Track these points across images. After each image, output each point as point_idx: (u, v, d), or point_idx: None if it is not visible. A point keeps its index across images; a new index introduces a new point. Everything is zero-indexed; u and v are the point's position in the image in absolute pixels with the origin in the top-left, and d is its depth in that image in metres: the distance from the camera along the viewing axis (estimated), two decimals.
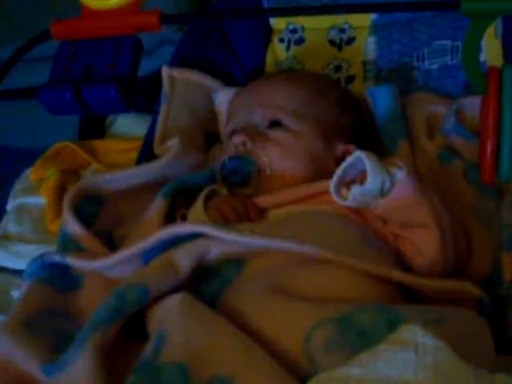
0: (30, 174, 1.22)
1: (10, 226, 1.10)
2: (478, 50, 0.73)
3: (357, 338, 0.58)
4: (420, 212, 0.75)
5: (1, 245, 1.06)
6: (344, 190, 0.76)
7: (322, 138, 0.88)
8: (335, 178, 0.75)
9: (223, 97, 1.01)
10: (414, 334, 0.54)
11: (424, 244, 0.76)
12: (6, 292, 0.98)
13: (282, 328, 0.63)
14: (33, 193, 1.18)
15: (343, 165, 0.75)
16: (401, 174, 0.75)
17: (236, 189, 0.86)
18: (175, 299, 0.66)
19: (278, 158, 0.85)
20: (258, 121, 0.89)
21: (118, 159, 1.23)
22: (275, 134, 0.87)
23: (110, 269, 0.77)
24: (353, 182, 0.76)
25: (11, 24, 1.36)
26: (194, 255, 0.71)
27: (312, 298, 0.67)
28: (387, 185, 0.74)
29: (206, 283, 0.72)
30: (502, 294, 0.76)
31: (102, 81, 0.72)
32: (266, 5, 1.09)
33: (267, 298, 0.66)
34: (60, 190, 1.17)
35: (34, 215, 1.14)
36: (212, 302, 0.68)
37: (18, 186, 1.18)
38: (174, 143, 0.92)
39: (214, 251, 0.72)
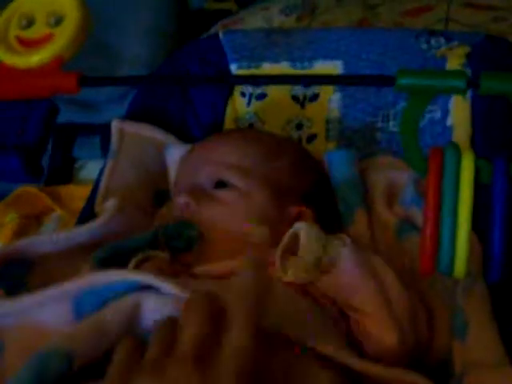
0: None
1: None
2: (418, 127, 0.66)
3: None
4: (365, 298, 0.70)
5: None
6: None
7: (274, 198, 0.83)
8: (278, 251, 0.72)
9: (175, 153, 0.96)
10: None
11: (376, 332, 0.70)
12: None
13: None
14: None
15: (285, 237, 0.73)
16: (344, 252, 0.71)
17: (178, 254, 0.80)
18: None
19: (223, 218, 0.80)
20: (203, 180, 0.84)
21: (82, 205, 1.19)
22: (221, 193, 0.82)
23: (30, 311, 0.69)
24: None
25: None
26: (123, 313, 0.64)
27: None
28: (324, 261, 0.71)
29: None
30: None
31: (5, 150, 0.67)
32: (229, 56, 1.05)
33: None
34: (18, 237, 1.14)
35: None
36: None
37: None
38: (112, 204, 0.87)
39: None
